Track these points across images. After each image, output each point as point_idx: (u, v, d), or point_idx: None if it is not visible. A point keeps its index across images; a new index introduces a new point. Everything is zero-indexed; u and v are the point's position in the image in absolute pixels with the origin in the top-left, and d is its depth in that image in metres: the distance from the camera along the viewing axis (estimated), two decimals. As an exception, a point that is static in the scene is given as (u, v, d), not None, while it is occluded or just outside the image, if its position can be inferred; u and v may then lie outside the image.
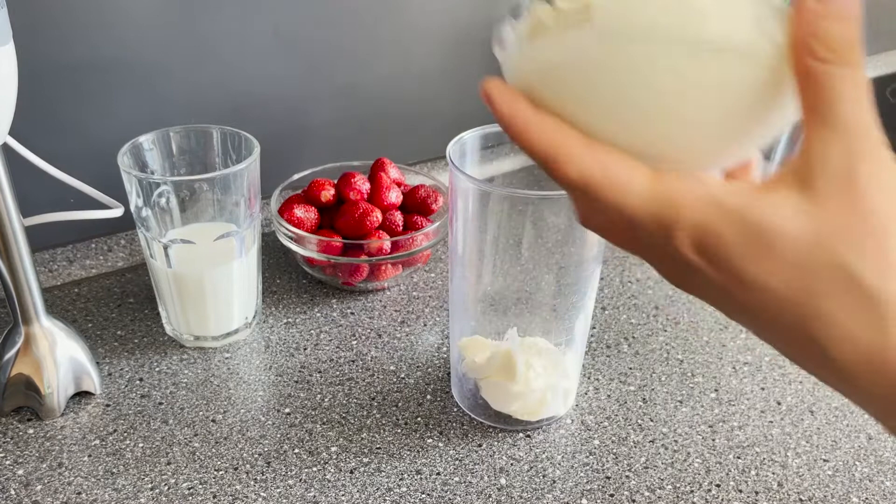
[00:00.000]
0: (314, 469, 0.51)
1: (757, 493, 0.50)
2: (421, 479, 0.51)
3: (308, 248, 0.65)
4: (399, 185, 0.71)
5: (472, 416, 0.55)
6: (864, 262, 0.25)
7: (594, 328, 0.65)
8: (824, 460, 0.53)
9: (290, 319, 0.66)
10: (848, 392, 0.28)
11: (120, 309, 0.66)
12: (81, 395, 0.56)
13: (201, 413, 0.56)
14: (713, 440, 0.54)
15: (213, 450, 0.52)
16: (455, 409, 0.56)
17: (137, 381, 0.58)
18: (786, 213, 0.25)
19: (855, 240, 0.25)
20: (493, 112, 0.28)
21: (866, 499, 0.50)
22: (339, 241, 0.65)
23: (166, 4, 0.65)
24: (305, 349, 0.62)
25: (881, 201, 0.25)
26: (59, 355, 0.55)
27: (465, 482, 0.51)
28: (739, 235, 0.26)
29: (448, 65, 0.83)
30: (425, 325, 0.65)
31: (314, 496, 0.49)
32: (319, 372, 0.60)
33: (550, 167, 0.28)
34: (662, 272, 0.30)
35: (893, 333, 0.25)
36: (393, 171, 0.71)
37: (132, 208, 0.57)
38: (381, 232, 0.66)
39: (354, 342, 0.63)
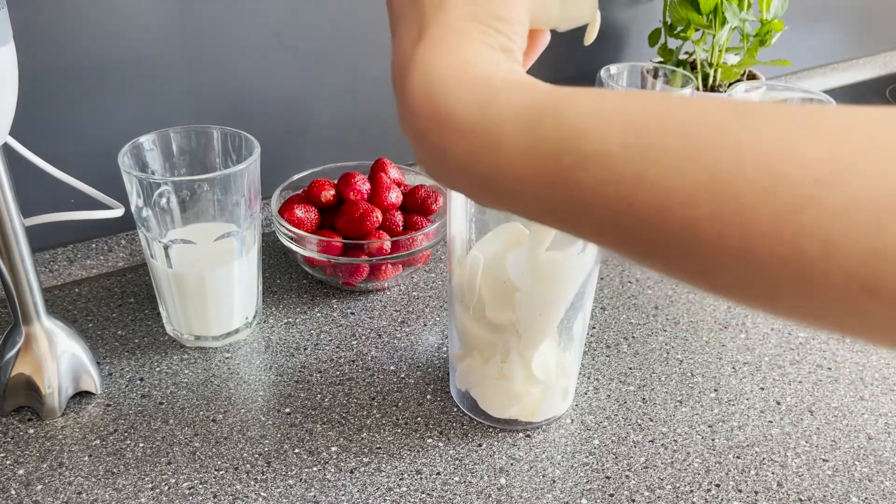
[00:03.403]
0: (314, 469, 0.51)
1: (756, 492, 0.50)
2: (421, 478, 0.51)
3: (308, 248, 0.65)
4: (399, 185, 0.71)
5: (472, 416, 0.56)
6: None
7: (594, 328, 0.65)
8: (824, 460, 0.53)
9: (290, 319, 0.66)
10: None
11: (120, 309, 0.66)
12: (82, 395, 0.57)
13: (202, 413, 0.56)
14: (713, 440, 0.54)
15: (214, 449, 0.53)
16: (455, 409, 0.56)
17: (138, 381, 0.58)
18: None
19: None
20: None
21: (866, 499, 0.50)
22: (340, 241, 0.65)
23: (167, 5, 0.65)
24: (306, 349, 0.62)
25: None
26: (60, 355, 0.55)
27: (465, 482, 0.51)
28: None
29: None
30: (425, 325, 0.65)
31: (314, 496, 0.49)
32: (320, 372, 0.60)
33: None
34: None
35: (418, 48, 0.31)
36: (393, 172, 0.71)
37: (133, 208, 0.57)
38: (381, 232, 0.66)
39: (354, 342, 0.63)
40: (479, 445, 0.53)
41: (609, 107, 0.26)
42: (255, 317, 0.64)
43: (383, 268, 0.67)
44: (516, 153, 0.27)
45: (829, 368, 0.61)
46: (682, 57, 0.91)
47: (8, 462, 0.51)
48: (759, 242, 0.22)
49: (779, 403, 0.58)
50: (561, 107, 0.27)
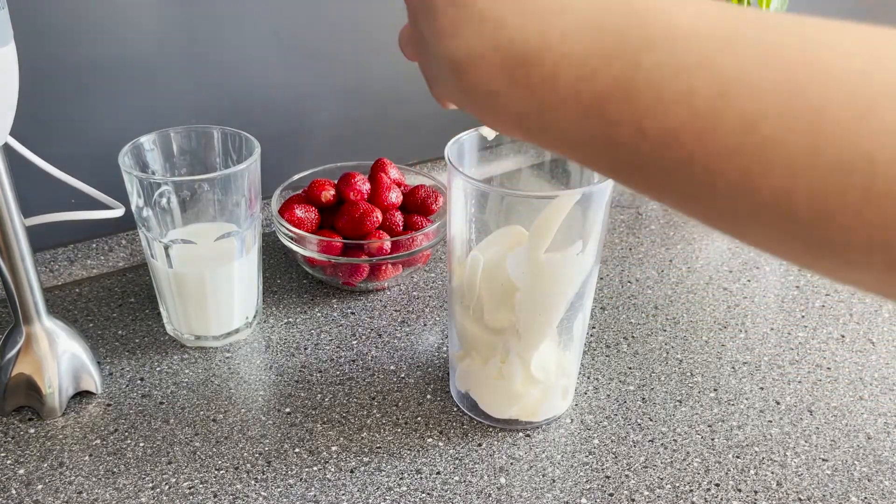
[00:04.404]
0: (314, 468, 0.51)
1: (756, 492, 0.51)
2: (421, 478, 0.51)
3: (308, 248, 0.65)
4: (399, 185, 0.71)
5: (472, 415, 0.56)
6: None
7: (594, 328, 0.65)
8: (823, 460, 0.53)
9: (290, 319, 0.66)
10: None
11: (121, 309, 0.66)
12: (82, 395, 0.57)
13: (202, 412, 0.56)
14: (712, 439, 0.54)
15: (214, 449, 0.53)
16: (455, 409, 0.56)
17: (138, 381, 0.58)
18: None
19: None
20: None
21: (865, 498, 0.50)
22: (340, 241, 0.65)
23: (167, 5, 0.65)
24: (306, 349, 0.62)
25: None
26: (60, 355, 0.55)
27: (464, 481, 0.51)
28: None
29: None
30: (425, 324, 0.65)
31: (314, 495, 0.49)
32: (320, 371, 0.60)
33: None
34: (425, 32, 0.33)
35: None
36: (393, 172, 0.72)
37: (133, 208, 0.57)
38: (381, 232, 0.66)
39: (355, 342, 0.63)
40: (479, 445, 0.54)
41: None
42: (255, 317, 0.64)
43: (383, 268, 0.67)
44: (574, 24, 0.25)
45: (829, 368, 0.61)
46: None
47: (8, 462, 0.51)
48: (828, 145, 0.21)
49: (778, 403, 0.58)
50: None
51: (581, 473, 0.52)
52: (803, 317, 0.67)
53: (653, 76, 0.24)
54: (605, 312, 0.67)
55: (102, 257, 0.71)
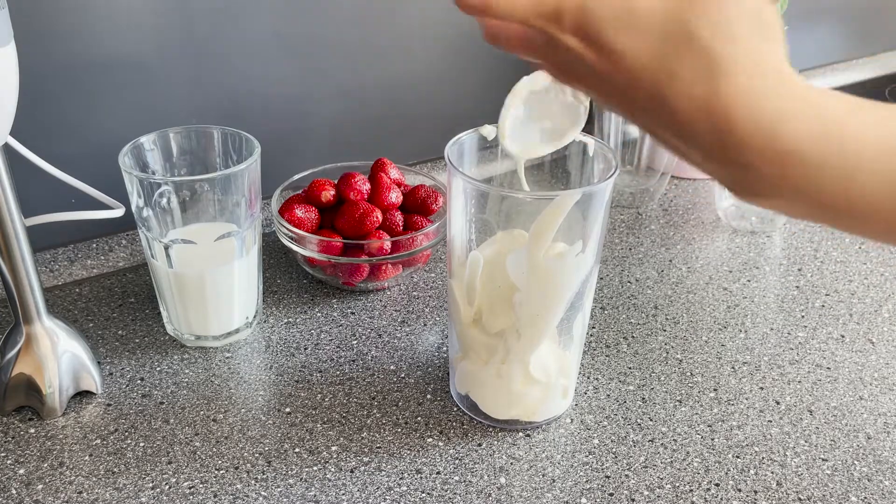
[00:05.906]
0: (315, 468, 0.51)
1: (756, 492, 0.51)
2: (421, 478, 0.51)
3: (308, 248, 0.65)
4: (399, 185, 0.71)
5: (472, 415, 0.56)
6: (700, 22, 0.29)
7: (594, 328, 0.65)
8: (823, 459, 0.53)
9: (290, 319, 0.66)
10: (692, 149, 0.31)
11: (121, 309, 0.66)
12: (82, 395, 0.57)
13: (202, 412, 0.56)
14: (712, 439, 0.54)
15: (214, 449, 0.53)
16: (455, 409, 0.56)
17: (138, 381, 0.58)
18: None
19: (697, 5, 0.29)
20: None
21: (865, 498, 0.50)
22: (340, 241, 0.65)
23: (167, 5, 0.65)
24: (306, 349, 0.62)
25: None
26: (61, 355, 0.55)
27: (464, 481, 0.51)
28: (610, 10, 0.30)
29: (447, 66, 0.83)
30: (425, 324, 0.65)
31: (315, 495, 0.49)
32: (320, 371, 0.60)
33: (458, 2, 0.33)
34: (552, 69, 0.35)
35: (720, 83, 0.29)
36: (393, 172, 0.72)
37: (133, 208, 0.57)
38: (381, 232, 0.66)
39: (355, 342, 0.63)
40: (479, 445, 0.54)
41: None
42: (255, 316, 0.64)
43: (383, 268, 0.67)
44: (876, 184, 0.27)
45: (829, 368, 0.61)
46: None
47: (9, 462, 0.51)
48: None
49: (778, 403, 0.58)
50: None
51: (581, 473, 0.52)
52: (803, 317, 0.67)
53: None
54: (605, 312, 0.67)
55: (102, 257, 0.71)
